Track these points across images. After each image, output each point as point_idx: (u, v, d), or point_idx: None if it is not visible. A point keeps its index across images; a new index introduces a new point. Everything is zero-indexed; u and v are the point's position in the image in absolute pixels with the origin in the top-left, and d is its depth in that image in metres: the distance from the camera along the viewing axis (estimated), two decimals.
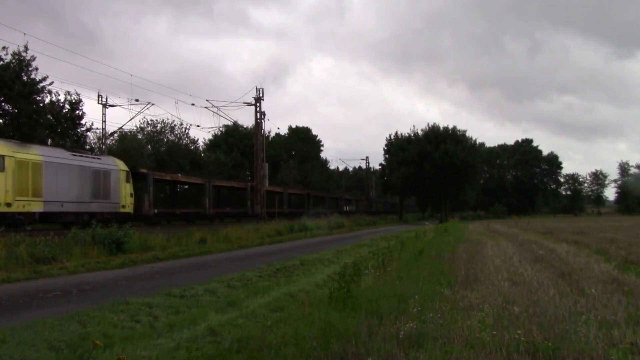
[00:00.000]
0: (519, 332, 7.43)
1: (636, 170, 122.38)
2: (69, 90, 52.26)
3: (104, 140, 53.91)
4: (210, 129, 73.12)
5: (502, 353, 6.65)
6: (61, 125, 45.17)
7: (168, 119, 76.25)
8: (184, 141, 68.61)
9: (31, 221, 29.63)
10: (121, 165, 37.45)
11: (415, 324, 8.01)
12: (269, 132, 78.22)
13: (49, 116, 43.46)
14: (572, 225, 49.68)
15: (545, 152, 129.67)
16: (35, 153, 30.17)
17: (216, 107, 55.51)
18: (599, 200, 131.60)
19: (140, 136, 65.25)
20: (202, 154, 73.08)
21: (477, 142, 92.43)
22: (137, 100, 54.25)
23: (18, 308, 11.76)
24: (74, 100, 46.46)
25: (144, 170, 42.13)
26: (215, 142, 78.30)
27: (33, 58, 40.58)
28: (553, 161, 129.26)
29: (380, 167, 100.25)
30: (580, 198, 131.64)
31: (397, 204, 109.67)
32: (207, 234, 32.10)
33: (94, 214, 33.92)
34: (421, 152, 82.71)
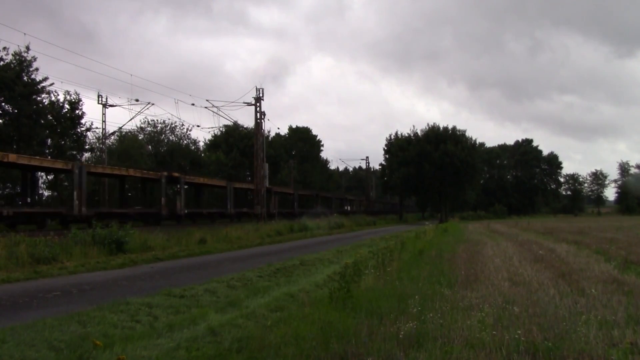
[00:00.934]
0: (519, 332, 7.43)
1: (636, 170, 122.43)
2: (69, 90, 52.18)
3: (103, 140, 53.93)
4: (210, 129, 73.08)
5: (502, 353, 6.65)
6: (61, 126, 45.17)
7: (168, 119, 76.28)
8: (185, 141, 68.64)
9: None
10: None
11: (415, 324, 8.01)
12: (269, 132, 78.24)
13: (49, 116, 43.47)
14: (572, 226, 49.68)
15: (545, 152, 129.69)
16: None
17: (216, 107, 55.63)
18: (599, 200, 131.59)
19: (140, 136, 65.26)
20: (202, 154, 73.08)
21: (477, 142, 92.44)
22: (137, 100, 54.33)
23: (18, 308, 11.76)
24: (73, 100, 46.48)
25: (176, 175, 45.48)
26: (215, 142, 78.31)
27: (34, 59, 40.62)
28: (553, 161, 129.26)
29: (380, 167, 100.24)
30: (580, 198, 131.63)
31: (397, 204, 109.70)
32: (207, 234, 32.11)
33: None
34: (421, 152, 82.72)
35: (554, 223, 60.81)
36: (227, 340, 8.55)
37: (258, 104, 50.93)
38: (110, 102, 52.44)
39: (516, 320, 8.36)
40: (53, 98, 44.45)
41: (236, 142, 76.61)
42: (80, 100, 47.23)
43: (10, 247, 19.18)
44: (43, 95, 42.32)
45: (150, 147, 64.73)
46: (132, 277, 17.14)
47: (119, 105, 63.40)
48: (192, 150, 69.64)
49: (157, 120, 67.78)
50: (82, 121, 47.33)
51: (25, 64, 40.13)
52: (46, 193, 52.47)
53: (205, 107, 53.09)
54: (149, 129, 66.03)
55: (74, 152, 46.83)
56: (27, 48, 40.15)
